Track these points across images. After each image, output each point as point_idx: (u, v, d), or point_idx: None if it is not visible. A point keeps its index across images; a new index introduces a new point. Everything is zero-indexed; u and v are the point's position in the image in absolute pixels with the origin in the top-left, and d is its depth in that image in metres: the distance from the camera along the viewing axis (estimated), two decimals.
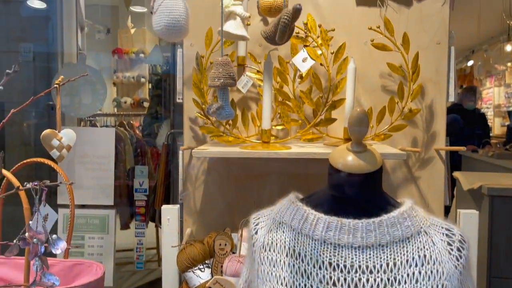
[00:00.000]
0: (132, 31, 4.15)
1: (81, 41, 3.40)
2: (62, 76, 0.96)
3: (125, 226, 2.89)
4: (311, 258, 0.80)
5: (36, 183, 0.72)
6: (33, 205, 0.73)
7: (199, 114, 1.50)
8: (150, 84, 4.56)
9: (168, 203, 2.20)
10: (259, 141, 1.39)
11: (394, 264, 0.77)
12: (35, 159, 1.21)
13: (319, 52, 1.40)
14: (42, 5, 2.97)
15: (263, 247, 0.85)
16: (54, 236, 0.72)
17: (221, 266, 1.26)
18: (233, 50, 1.51)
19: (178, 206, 1.42)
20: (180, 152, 1.58)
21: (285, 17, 0.95)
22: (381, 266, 0.77)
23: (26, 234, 0.74)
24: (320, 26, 1.41)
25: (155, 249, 3.47)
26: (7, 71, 0.69)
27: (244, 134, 1.52)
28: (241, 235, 1.26)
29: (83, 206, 2.09)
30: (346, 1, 1.53)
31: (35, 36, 3.01)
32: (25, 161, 1.27)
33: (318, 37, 1.40)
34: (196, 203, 1.61)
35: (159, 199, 2.24)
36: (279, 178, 1.58)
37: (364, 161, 0.82)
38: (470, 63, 7.86)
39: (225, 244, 1.28)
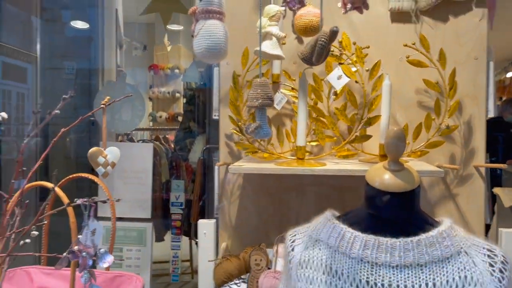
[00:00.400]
0: (169, 48, 4.28)
1: (120, 58, 3.54)
2: (108, 97, 1.01)
3: (160, 238, 2.95)
4: (348, 276, 0.80)
5: (85, 200, 0.76)
6: (82, 220, 0.78)
7: (235, 131, 1.53)
8: (184, 99, 4.67)
9: (203, 217, 2.23)
10: (294, 157, 1.41)
11: (434, 285, 0.76)
12: (80, 174, 1.28)
13: (354, 69, 1.41)
14: (85, 25, 3.12)
15: (299, 264, 0.86)
16: (102, 250, 0.75)
17: (257, 282, 1.27)
18: (268, 68, 1.54)
19: (214, 220, 1.45)
20: (216, 167, 1.62)
21: (322, 39, 0.97)
22: (420, 286, 0.76)
23: (75, 247, 0.79)
24: (354, 43, 1.42)
25: (189, 261, 3.51)
26: (64, 96, 0.74)
27: (279, 150, 1.54)
28: (277, 251, 1.27)
29: (121, 219, 2.15)
30: (380, 18, 1.53)
31: (77, 54, 3.16)
32: (71, 176, 1.33)
33: (352, 54, 1.42)
34: (232, 218, 1.63)
35: (195, 213, 2.28)
36: (314, 194, 1.58)
37: (402, 180, 0.82)
38: (510, 74, 7.58)
39: (261, 260, 1.30)
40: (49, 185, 0.97)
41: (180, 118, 4.50)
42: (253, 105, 1.08)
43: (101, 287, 0.78)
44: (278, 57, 1.26)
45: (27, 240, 0.90)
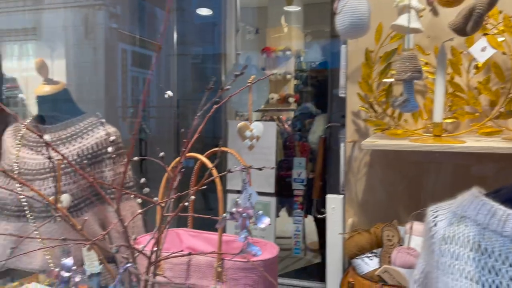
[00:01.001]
0: (285, 29, 4.35)
1: (237, 42, 3.71)
2: (253, 75, 1.10)
3: (276, 214, 3.07)
4: (500, 255, 0.78)
5: (243, 167, 0.85)
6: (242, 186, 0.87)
7: (363, 108, 1.53)
8: (296, 80, 4.71)
9: (324, 194, 2.28)
10: (427, 134, 1.36)
11: None
12: (222, 149, 1.40)
13: (500, 39, 1.30)
14: (209, 12, 3.32)
15: (443, 240, 0.85)
16: (259, 212, 0.84)
17: (389, 257, 1.28)
18: (399, 44, 1.50)
19: (342, 195, 1.48)
20: (342, 144, 1.64)
21: (480, 7, 0.93)
22: None
23: (233, 209, 0.88)
24: (501, 12, 1.31)
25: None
26: (235, 73, 0.83)
27: (410, 127, 1.50)
28: (411, 228, 1.26)
29: None
30: None
31: (202, 40, 3.38)
32: (212, 150, 1.47)
33: (499, 23, 1.31)
34: (358, 195, 1.65)
35: (317, 190, 2.34)
36: (448, 173, 1.52)
37: None
38: None
39: (393, 236, 1.30)
40: (208, 163, 1.10)
41: (290, 99, 4.57)
42: (401, 78, 1.07)
43: (258, 247, 0.87)
44: (416, 31, 1.23)
45: (186, 203, 1.02)
